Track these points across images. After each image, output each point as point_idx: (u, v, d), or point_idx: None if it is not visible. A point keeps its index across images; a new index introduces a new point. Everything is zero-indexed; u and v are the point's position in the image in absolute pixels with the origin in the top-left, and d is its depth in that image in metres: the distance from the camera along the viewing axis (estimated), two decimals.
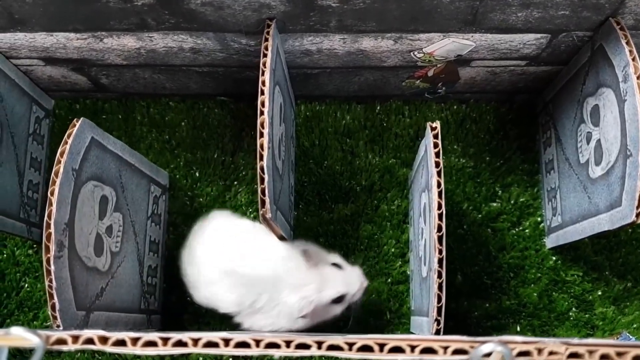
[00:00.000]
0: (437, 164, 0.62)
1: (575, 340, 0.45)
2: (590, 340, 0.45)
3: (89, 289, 0.66)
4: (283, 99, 0.76)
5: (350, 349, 0.43)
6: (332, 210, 0.90)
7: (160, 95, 0.94)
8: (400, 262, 0.88)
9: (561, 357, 0.45)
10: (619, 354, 0.45)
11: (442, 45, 0.75)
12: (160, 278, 0.87)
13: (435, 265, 0.59)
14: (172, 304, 0.88)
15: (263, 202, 0.63)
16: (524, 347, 0.45)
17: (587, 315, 0.86)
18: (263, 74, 0.64)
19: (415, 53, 0.77)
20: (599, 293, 0.86)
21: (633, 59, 0.63)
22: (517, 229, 0.89)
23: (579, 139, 0.76)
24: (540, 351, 0.45)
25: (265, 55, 0.65)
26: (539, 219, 0.89)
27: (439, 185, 0.61)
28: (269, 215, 0.64)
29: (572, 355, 0.45)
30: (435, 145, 0.63)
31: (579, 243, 0.87)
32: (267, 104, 0.63)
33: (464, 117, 0.93)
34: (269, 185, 0.63)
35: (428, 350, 0.43)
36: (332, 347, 0.43)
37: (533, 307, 0.86)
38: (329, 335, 0.44)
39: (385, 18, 0.69)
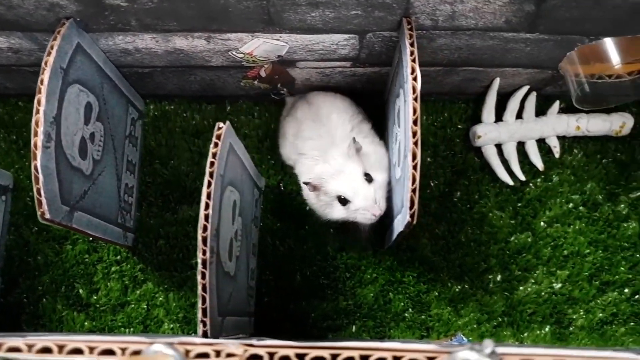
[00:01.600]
0: (211, 164, 0.61)
1: (255, 342, 0.44)
2: (269, 342, 0.44)
3: None
4: (97, 98, 0.75)
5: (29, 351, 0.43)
6: (175, 211, 0.90)
7: (7, 95, 0.93)
8: None
9: (241, 359, 0.44)
10: (298, 356, 0.44)
11: (256, 45, 0.75)
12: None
13: (200, 267, 0.59)
14: (9, 305, 0.87)
15: (40, 203, 0.62)
16: (202, 349, 0.44)
17: (422, 317, 0.86)
18: (43, 73, 0.64)
19: (234, 53, 0.77)
20: (436, 294, 0.86)
21: (413, 60, 0.63)
22: None
23: (393, 140, 0.76)
24: (218, 353, 0.44)
25: (49, 54, 0.65)
26: None
27: (209, 185, 0.60)
28: (47, 216, 0.63)
29: (252, 357, 0.45)
30: (215, 145, 0.63)
31: (417, 244, 0.87)
32: (43, 102, 0.63)
33: None
34: (46, 185, 0.63)
35: (107, 352, 0.43)
36: (12, 349, 0.43)
37: (368, 308, 0.86)
38: (11, 336, 0.44)
39: (182, 17, 0.69)
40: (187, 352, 0.44)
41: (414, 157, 0.61)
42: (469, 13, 0.67)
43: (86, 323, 0.86)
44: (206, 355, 0.44)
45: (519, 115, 0.88)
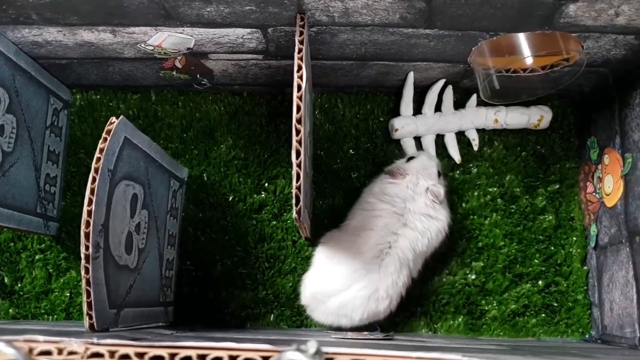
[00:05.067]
0: (97, 160, 0.62)
1: (96, 340, 0.46)
2: (110, 341, 0.46)
3: None
4: (7, 90, 0.76)
5: None
6: None
7: None
8: None
9: (82, 357, 0.46)
10: (138, 354, 0.46)
11: (162, 38, 0.75)
12: None
13: (83, 262, 0.60)
14: None
15: None
16: (45, 347, 0.46)
17: None
18: None
19: (143, 45, 0.77)
20: None
21: (300, 58, 0.64)
22: (277, 221, 0.89)
23: None
24: (60, 351, 0.46)
25: None
26: None
27: (93, 181, 0.61)
28: None
29: (94, 354, 0.46)
30: (103, 140, 0.63)
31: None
32: None
33: (237, 109, 0.93)
34: None
35: None
36: None
37: (286, 298, 0.88)
38: None
39: (80, 12, 0.69)
40: (31, 349, 0.46)
41: (298, 155, 0.62)
42: (362, 10, 0.67)
43: (10, 310, 0.88)
44: (49, 352, 0.45)
45: (438, 109, 0.89)
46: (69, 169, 0.92)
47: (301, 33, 0.65)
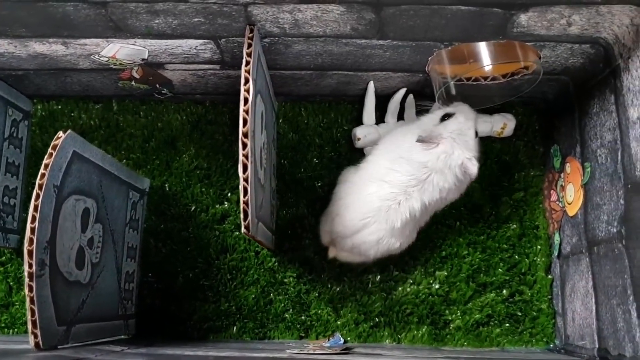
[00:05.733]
0: (41, 176, 0.61)
1: None
2: None
3: None
4: None
5: None
6: None
7: None
8: None
9: None
10: None
11: (115, 50, 0.74)
12: None
13: (27, 280, 0.59)
14: None
15: None
16: None
17: (302, 317, 0.87)
18: None
19: (97, 57, 0.76)
20: (316, 294, 0.87)
21: (247, 71, 0.63)
22: (240, 232, 0.88)
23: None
24: None
25: None
26: None
27: (37, 197, 0.60)
28: None
29: None
30: (49, 156, 0.63)
31: (299, 245, 0.88)
32: None
33: (200, 118, 0.92)
34: None
35: None
36: None
37: (249, 309, 0.87)
38: None
39: (28, 24, 0.68)
40: None
41: (245, 169, 0.61)
42: (312, 21, 0.66)
43: None
44: None
45: (401, 117, 0.88)
46: (30, 180, 0.90)
47: (249, 45, 0.64)
